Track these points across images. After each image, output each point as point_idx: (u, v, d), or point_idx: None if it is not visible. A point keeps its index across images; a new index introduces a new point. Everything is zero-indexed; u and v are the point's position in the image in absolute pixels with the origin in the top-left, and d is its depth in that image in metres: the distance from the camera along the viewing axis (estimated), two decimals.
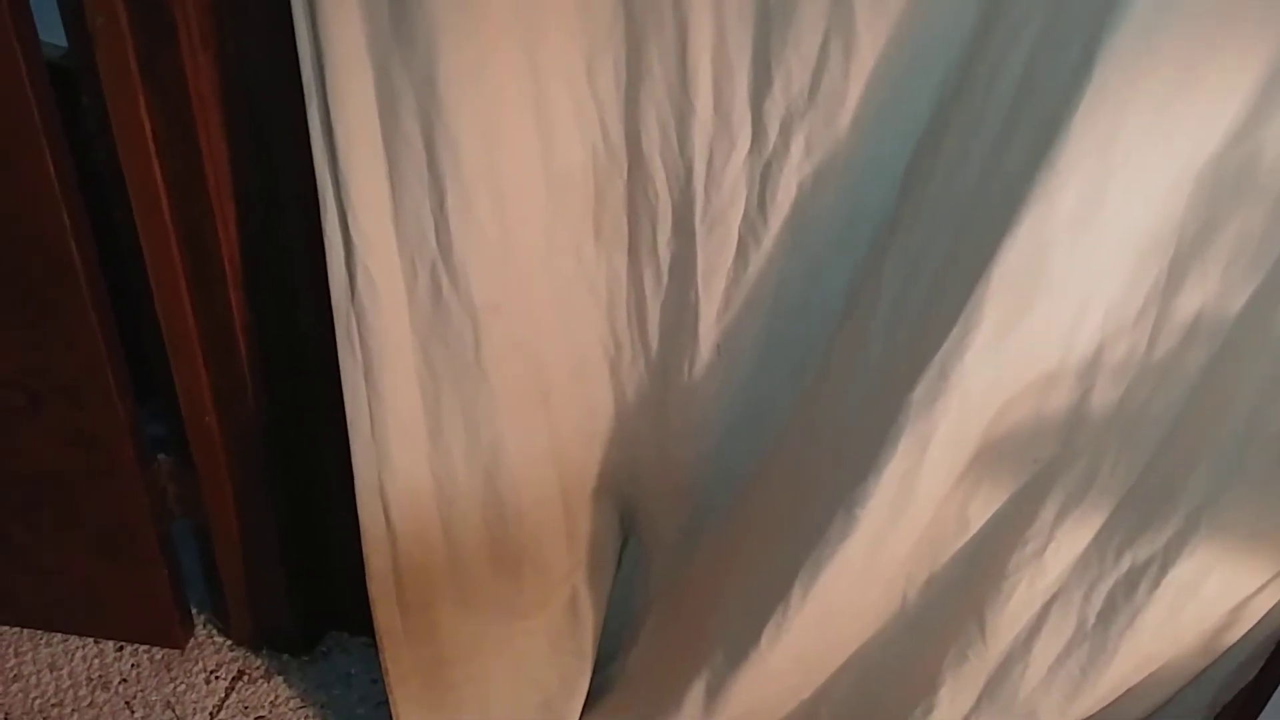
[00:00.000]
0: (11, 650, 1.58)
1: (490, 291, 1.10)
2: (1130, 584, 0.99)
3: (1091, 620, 1.02)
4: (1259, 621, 1.01)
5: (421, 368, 1.15)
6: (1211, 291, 0.87)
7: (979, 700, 1.11)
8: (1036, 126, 0.82)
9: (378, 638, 1.34)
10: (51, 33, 1.10)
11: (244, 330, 1.27)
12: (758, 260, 1.07)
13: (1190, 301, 0.88)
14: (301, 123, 1.01)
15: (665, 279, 1.13)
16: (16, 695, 1.52)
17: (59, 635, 1.60)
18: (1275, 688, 1.07)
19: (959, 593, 1.10)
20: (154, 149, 1.13)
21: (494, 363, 1.15)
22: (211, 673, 1.58)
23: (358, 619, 1.38)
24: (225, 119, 1.12)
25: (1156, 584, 0.97)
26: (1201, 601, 0.98)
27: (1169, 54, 0.76)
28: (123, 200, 1.17)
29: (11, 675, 1.55)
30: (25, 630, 1.61)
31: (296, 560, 1.52)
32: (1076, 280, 0.88)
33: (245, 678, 1.58)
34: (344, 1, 0.94)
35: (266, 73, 1.10)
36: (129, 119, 1.11)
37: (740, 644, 1.17)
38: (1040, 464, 1.01)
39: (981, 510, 1.06)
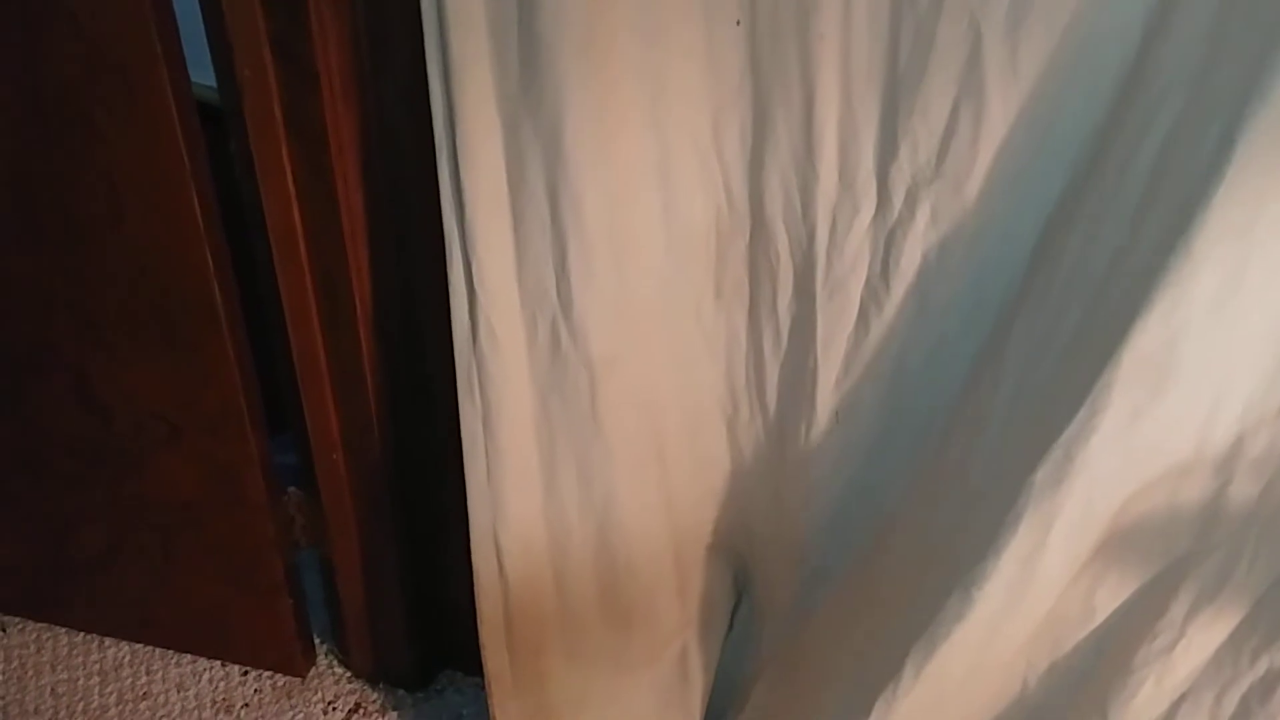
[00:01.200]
0: (144, 668, 1.64)
1: (608, 346, 1.10)
2: (1266, 689, 0.93)
3: None
4: None
5: (539, 418, 1.16)
6: None
7: None
8: (1173, 209, 0.78)
9: (486, 683, 1.35)
10: (203, 73, 1.15)
11: (372, 372, 1.30)
12: (879, 328, 1.04)
13: None
14: (434, 176, 1.04)
15: (785, 341, 1.12)
16: (144, 713, 1.58)
17: (188, 656, 1.66)
18: None
19: (1082, 685, 1.04)
20: (294, 194, 1.18)
21: (610, 416, 1.15)
22: (330, 703, 1.62)
23: (473, 659, 1.39)
24: (363, 169, 1.16)
25: None
26: None
27: None
28: (263, 242, 1.22)
29: (141, 693, 1.61)
30: (158, 650, 1.67)
31: (415, 597, 1.54)
32: (1212, 368, 0.83)
33: (361, 710, 1.61)
34: (476, 62, 0.97)
35: (404, 126, 1.13)
36: (272, 165, 1.15)
37: (850, 718, 1.14)
38: (1173, 557, 0.95)
39: (1109, 600, 1.00)
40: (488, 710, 1.39)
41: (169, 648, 1.67)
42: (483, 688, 1.49)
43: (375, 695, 1.63)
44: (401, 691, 1.64)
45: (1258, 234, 0.76)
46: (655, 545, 1.28)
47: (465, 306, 1.09)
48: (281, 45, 1.08)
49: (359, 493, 1.44)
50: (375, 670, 1.64)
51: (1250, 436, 0.87)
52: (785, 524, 1.27)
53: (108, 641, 1.68)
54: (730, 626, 1.45)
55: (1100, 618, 1.02)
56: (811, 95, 0.95)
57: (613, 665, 1.37)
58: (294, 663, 1.63)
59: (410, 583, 1.53)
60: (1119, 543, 0.96)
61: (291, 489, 1.50)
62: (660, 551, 1.29)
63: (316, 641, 1.67)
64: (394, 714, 1.61)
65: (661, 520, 1.27)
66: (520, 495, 1.20)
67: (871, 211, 0.98)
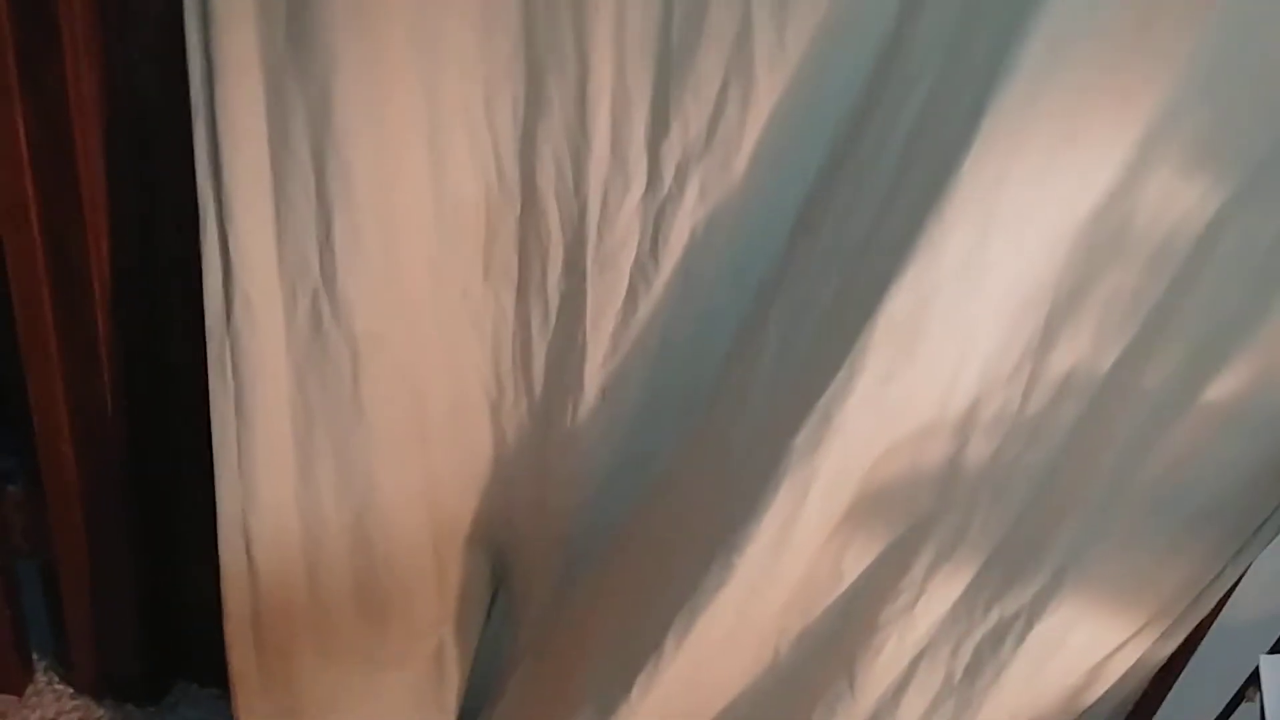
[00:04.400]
0: None
1: (373, 323, 1.08)
2: (997, 638, 1.01)
3: (958, 675, 1.03)
4: (1116, 682, 1.03)
5: (296, 399, 1.12)
6: (1083, 349, 0.90)
7: None
8: (927, 176, 0.84)
9: (231, 684, 1.28)
10: None
11: (109, 354, 1.22)
12: (647, 303, 1.07)
13: (1063, 358, 0.91)
14: (186, 140, 0.99)
15: (553, 320, 1.13)
16: None
17: None
18: None
19: (831, 647, 1.10)
20: (27, 158, 1.09)
21: (372, 399, 1.12)
22: None
23: (209, 670, 1.31)
24: (106, 131, 1.09)
25: (1022, 639, 0.99)
26: (1065, 658, 1.00)
27: (1055, 106, 0.79)
28: None
29: None
30: None
31: (148, 604, 1.44)
32: (956, 332, 0.90)
33: None
34: (239, 17, 0.93)
35: (154, 85, 1.07)
36: (3, 124, 1.07)
37: (611, 696, 1.15)
38: (916, 517, 1.02)
39: (856, 562, 1.06)
40: (231, 717, 1.32)
41: None
42: (221, 699, 1.42)
43: (101, 712, 1.51)
44: (130, 706, 1.52)
45: (1005, 198, 0.83)
46: (415, 536, 1.26)
47: (219, 278, 1.04)
48: None
49: (89, 489, 1.34)
50: (101, 685, 1.52)
51: (986, 399, 0.95)
52: (547, 509, 1.27)
53: None
54: (487, 619, 1.44)
55: (848, 580, 1.07)
56: (585, 68, 0.96)
57: (367, 662, 1.33)
58: (9, 680, 1.49)
59: (143, 589, 1.43)
60: (867, 505, 1.02)
61: (10, 487, 1.37)
62: (420, 543, 1.27)
63: (35, 656, 1.53)
64: None
65: (422, 510, 1.25)
66: (273, 481, 1.15)
67: (642, 187, 1.01)
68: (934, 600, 1.03)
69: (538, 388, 1.18)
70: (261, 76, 0.96)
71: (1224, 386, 0.86)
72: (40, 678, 1.53)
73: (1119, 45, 0.77)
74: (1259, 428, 0.87)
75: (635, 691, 1.12)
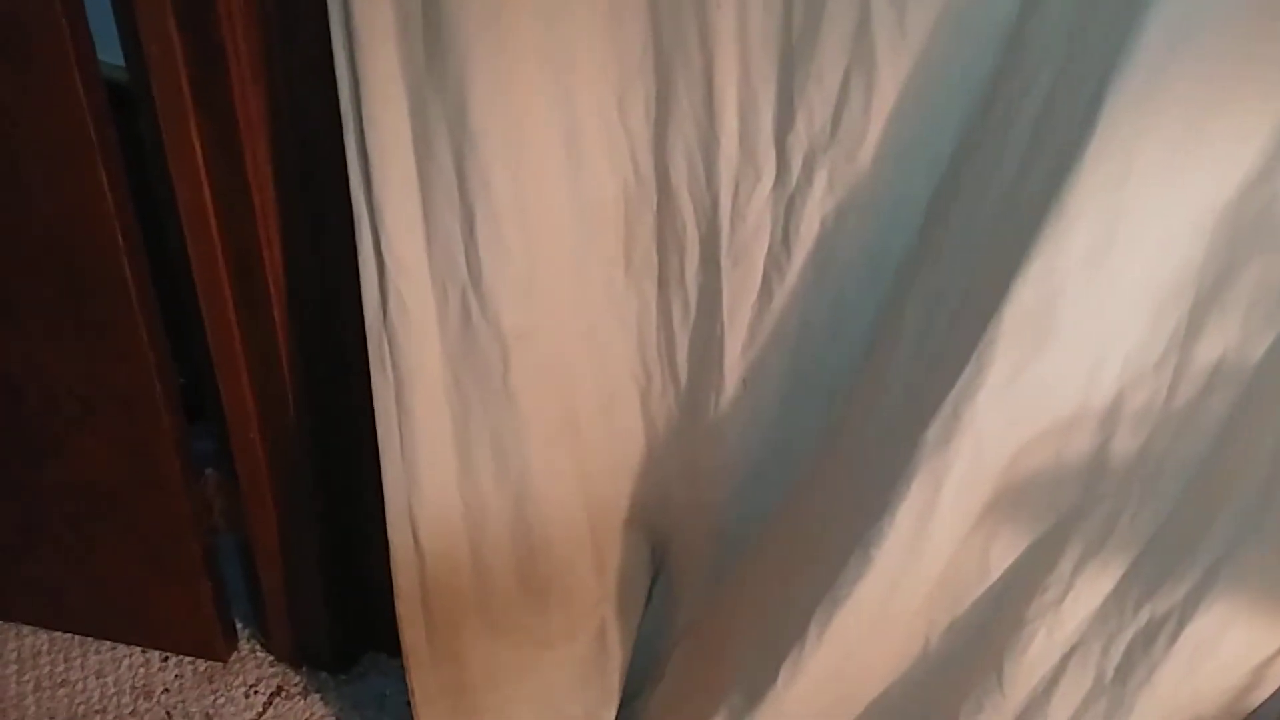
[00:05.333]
0: (62, 655, 1.63)
1: (519, 318, 1.12)
2: (1149, 638, 0.96)
3: (1110, 674, 0.99)
4: None
5: (451, 391, 1.17)
6: (1232, 339, 0.85)
7: None
8: (1050, 167, 0.81)
9: (404, 658, 1.36)
10: (112, 52, 1.15)
11: (288, 349, 1.30)
12: (782, 295, 1.07)
13: (1210, 349, 0.86)
14: (344, 151, 1.05)
15: (693, 312, 1.14)
16: (62, 700, 1.57)
17: (108, 643, 1.65)
18: None
19: (980, 641, 1.08)
20: (205, 173, 1.17)
21: (523, 389, 1.16)
22: (251, 687, 1.61)
23: (396, 641, 1.39)
24: (273, 145, 1.16)
25: (1174, 639, 0.94)
26: (1221, 658, 0.94)
27: (1180, 95, 0.75)
28: (175, 220, 1.22)
29: (59, 680, 1.59)
30: (76, 637, 1.65)
31: (336, 578, 1.54)
32: (1091, 324, 0.86)
33: (283, 694, 1.61)
34: (381, 38, 0.98)
35: (313, 102, 1.13)
36: (181, 143, 1.15)
37: (758, 684, 1.16)
38: (1061, 512, 0.99)
39: (1003, 556, 1.04)
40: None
41: (87, 634, 1.65)
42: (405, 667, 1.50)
43: (297, 678, 1.63)
44: (324, 674, 1.64)
45: (1129, 189, 0.79)
46: (571, 519, 1.30)
47: (375, 279, 1.10)
48: (188, 21, 1.08)
49: (276, 473, 1.44)
50: (297, 653, 1.63)
51: (1130, 391, 0.91)
52: (700, 493, 1.29)
53: (25, 629, 1.66)
54: (648, 600, 1.47)
55: (996, 574, 1.05)
56: (711, 66, 0.97)
57: (531, 640, 1.38)
58: (215, 647, 1.62)
59: (330, 564, 1.53)
60: (1010, 499, 1.00)
61: (209, 471, 1.49)
62: (577, 526, 1.31)
63: (238, 625, 1.67)
64: (316, 696, 1.61)
65: (577, 494, 1.28)
66: (435, 469, 1.21)
67: (772, 179, 1.01)
68: (1082, 596, 0.99)
69: (683, 378, 1.20)
70: (404, 90, 1.00)
71: None
72: (244, 646, 1.66)
73: (1247, 34, 0.72)
74: None
75: (781, 679, 1.13)
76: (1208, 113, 0.76)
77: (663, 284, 1.14)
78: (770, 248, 1.05)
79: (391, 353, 1.14)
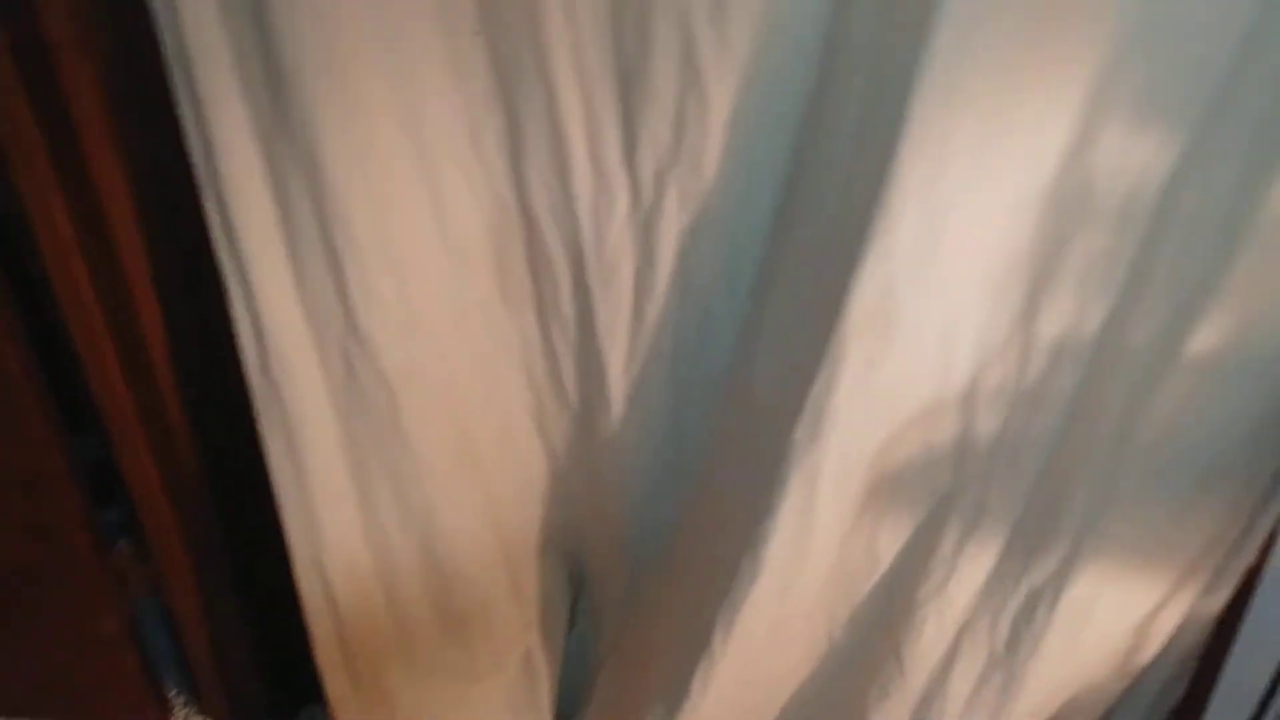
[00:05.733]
0: None
1: (402, 360, 1.13)
2: (1030, 609, 0.99)
3: (1001, 648, 1.03)
4: (1170, 641, 1.01)
5: (343, 439, 1.18)
6: (1069, 313, 0.88)
7: None
8: (872, 169, 0.84)
9: (331, 708, 1.36)
10: None
11: (181, 414, 1.30)
12: (653, 312, 1.09)
13: (1051, 325, 0.89)
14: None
15: (573, 335, 1.16)
16: None
17: None
18: (1203, 710, 1.06)
19: (878, 629, 1.10)
20: (75, 248, 1.17)
21: (416, 428, 1.17)
22: None
23: None
24: (138, 213, 1.16)
25: (1053, 608, 0.98)
26: (1100, 623, 0.98)
27: (979, 90, 0.78)
28: (51, 302, 1.21)
29: None
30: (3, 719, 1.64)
31: (263, 634, 1.54)
32: (934, 313, 0.89)
33: None
34: (224, 94, 0.99)
35: (173, 166, 1.13)
36: (47, 218, 1.15)
37: (676, 696, 1.18)
38: (937, 496, 1.01)
39: (890, 544, 1.06)
40: None
41: (16, 715, 1.64)
42: None
43: None
44: None
45: (947, 183, 0.82)
46: (484, 550, 1.31)
47: (252, 337, 1.10)
48: (37, 99, 1.08)
49: (189, 538, 1.43)
50: (232, 713, 1.63)
51: (983, 373, 0.94)
52: (606, 515, 1.31)
53: None
54: (573, 623, 1.48)
55: (885, 562, 1.08)
56: (554, 97, 0.98)
57: (458, 675, 1.39)
58: (147, 715, 1.61)
59: (255, 620, 1.53)
60: (888, 488, 1.02)
61: (122, 542, 1.48)
62: (490, 556, 1.32)
63: (171, 689, 1.66)
64: None
65: (486, 524, 1.30)
66: (337, 518, 1.22)
67: (627, 201, 1.03)
68: (966, 576, 1.02)
69: (573, 400, 1.22)
70: (255, 146, 1.01)
71: (1205, 341, 0.83)
72: (178, 711, 1.65)
73: (1036, 17, 0.75)
74: (1246, 380, 0.84)
75: (695, 689, 1.15)
76: (1009, 103, 0.79)
77: (541, 311, 1.16)
78: (636, 267, 1.07)
79: (278, 407, 1.14)
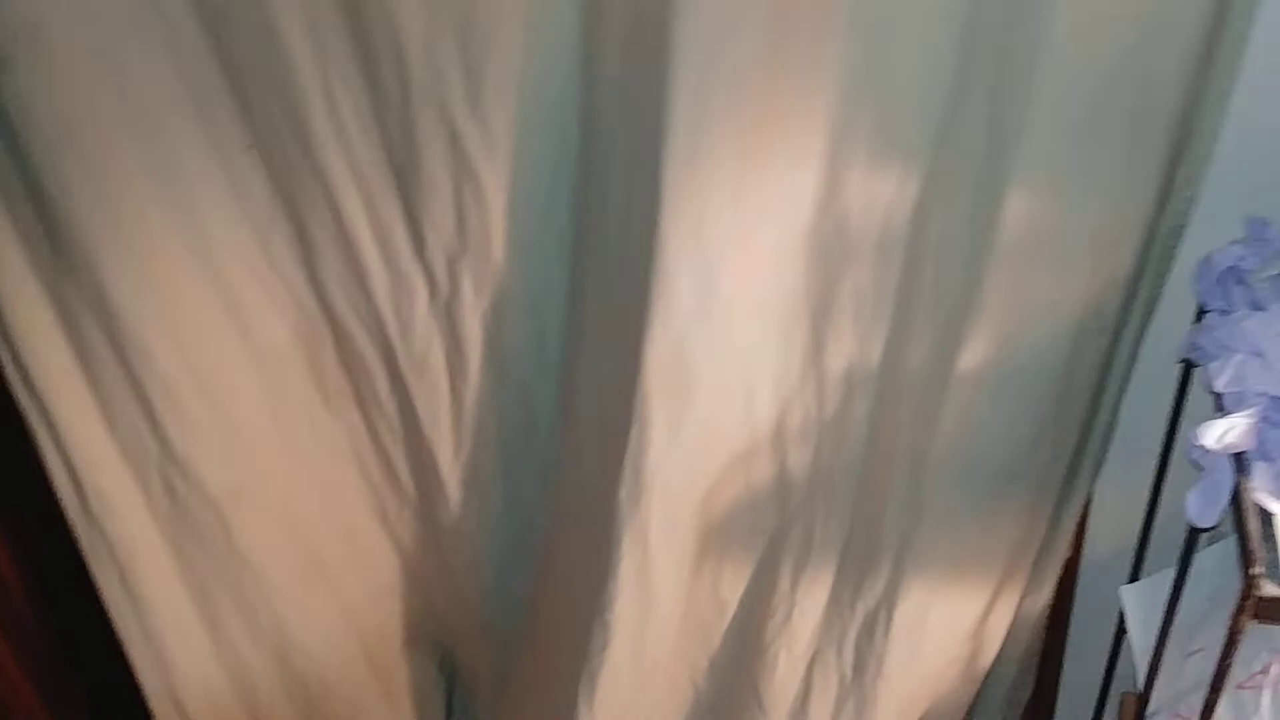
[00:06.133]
0: None
1: (226, 478, 1.12)
2: (868, 632, 1.02)
3: (849, 674, 1.05)
4: (1007, 641, 1.05)
5: (179, 566, 1.15)
6: (851, 346, 0.92)
7: None
8: (642, 234, 0.86)
9: None
10: None
11: (12, 568, 1.26)
12: (470, 396, 1.09)
13: (837, 359, 0.93)
14: None
15: (398, 428, 1.15)
16: None
17: None
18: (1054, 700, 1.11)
19: (736, 671, 1.12)
20: None
21: (253, 545, 1.16)
22: None
23: None
24: None
25: (889, 627, 1.01)
26: (935, 634, 1.01)
27: (727, 150, 0.81)
28: None
29: None
30: None
31: None
32: (727, 362, 0.92)
33: None
34: (4, 239, 0.97)
35: None
36: None
37: None
38: (767, 535, 1.04)
39: (732, 589, 1.08)
40: None
41: None
42: None
43: None
44: None
45: (712, 239, 0.85)
46: (345, 656, 1.29)
47: (67, 479, 1.08)
48: None
49: (44, 694, 1.38)
50: None
51: (787, 411, 0.97)
52: (462, 597, 1.30)
53: None
54: (450, 712, 1.47)
55: (732, 607, 1.09)
56: (334, 197, 0.99)
57: None
58: None
59: None
60: (720, 535, 1.04)
61: None
62: (352, 661, 1.30)
63: None
64: None
65: (343, 631, 1.28)
66: (185, 646, 1.19)
67: (426, 292, 1.03)
68: (806, 608, 1.05)
69: (411, 491, 1.21)
70: (39, 289, 1.00)
71: (973, 358, 0.87)
72: None
73: (766, 74, 0.79)
74: (1016, 390, 0.89)
75: None
76: (757, 159, 0.82)
77: (363, 407, 1.15)
78: (446, 354, 1.07)
79: (104, 544, 1.12)
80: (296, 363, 1.13)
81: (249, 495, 1.14)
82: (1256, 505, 0.70)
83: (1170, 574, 0.85)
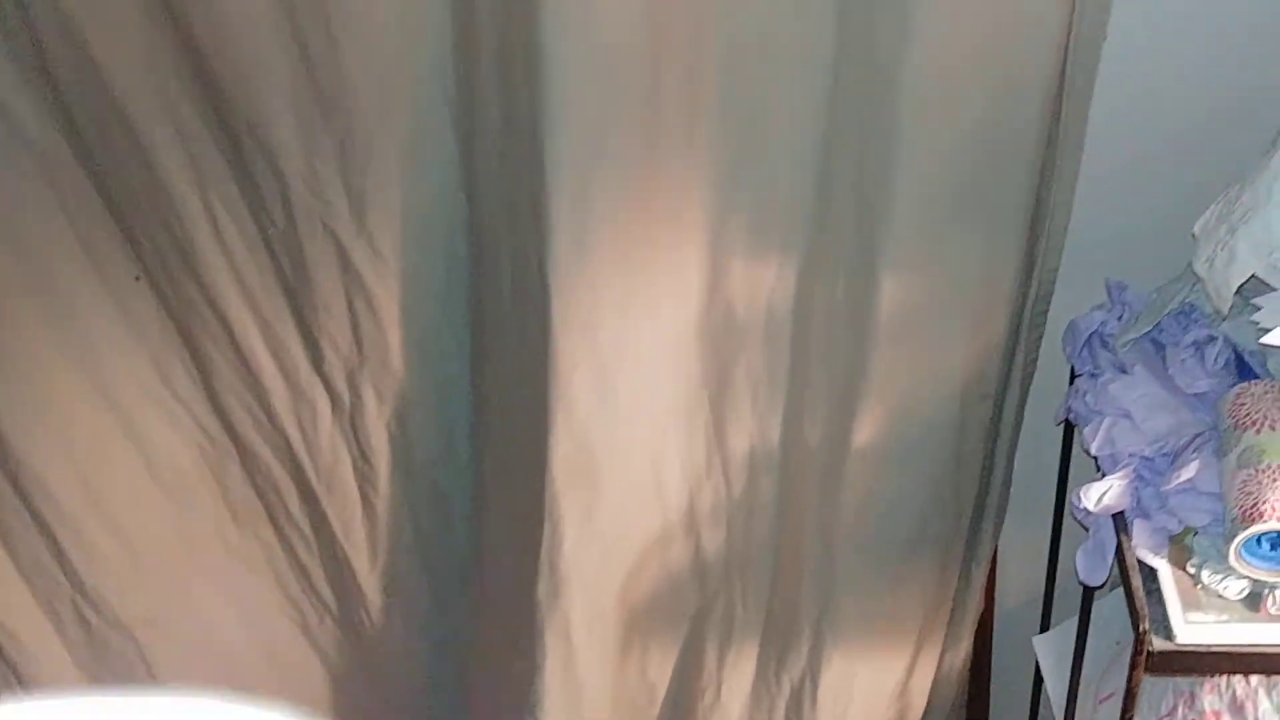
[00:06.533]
0: None
1: (140, 608, 1.11)
2: (796, 703, 1.03)
3: None
4: (933, 698, 1.06)
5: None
6: (752, 426, 0.94)
7: None
8: (535, 335, 0.87)
9: None
10: None
11: None
12: (383, 506, 1.09)
13: (740, 439, 0.95)
14: None
15: (313, 542, 1.15)
16: None
17: None
18: None
19: None
20: None
21: (173, 675, 1.14)
22: None
23: None
24: None
25: (815, 696, 1.02)
26: (861, 698, 1.03)
27: (611, 252, 0.83)
28: None
29: None
30: None
31: None
32: (632, 451, 0.93)
33: None
34: None
35: None
36: None
37: None
38: (689, 617, 1.05)
39: (660, 671, 1.09)
40: None
41: None
42: None
43: None
44: None
45: (603, 336, 0.86)
46: None
47: None
48: None
49: None
50: None
51: (697, 494, 0.98)
52: (394, 707, 1.29)
53: None
54: None
55: (662, 690, 1.10)
56: (228, 322, 0.98)
57: None
58: None
59: None
60: (643, 619, 1.05)
61: None
62: None
63: None
64: None
65: None
66: None
67: (328, 407, 1.03)
68: (734, 685, 1.06)
69: (331, 603, 1.20)
70: None
71: (866, 431, 0.90)
72: None
73: (638, 174, 0.81)
74: (909, 458, 0.91)
75: None
76: (642, 259, 0.84)
77: (275, 524, 1.14)
78: (355, 466, 1.07)
79: (20, 686, 1.09)
80: (204, 486, 1.12)
81: (165, 623, 1.13)
82: (1139, 561, 0.72)
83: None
